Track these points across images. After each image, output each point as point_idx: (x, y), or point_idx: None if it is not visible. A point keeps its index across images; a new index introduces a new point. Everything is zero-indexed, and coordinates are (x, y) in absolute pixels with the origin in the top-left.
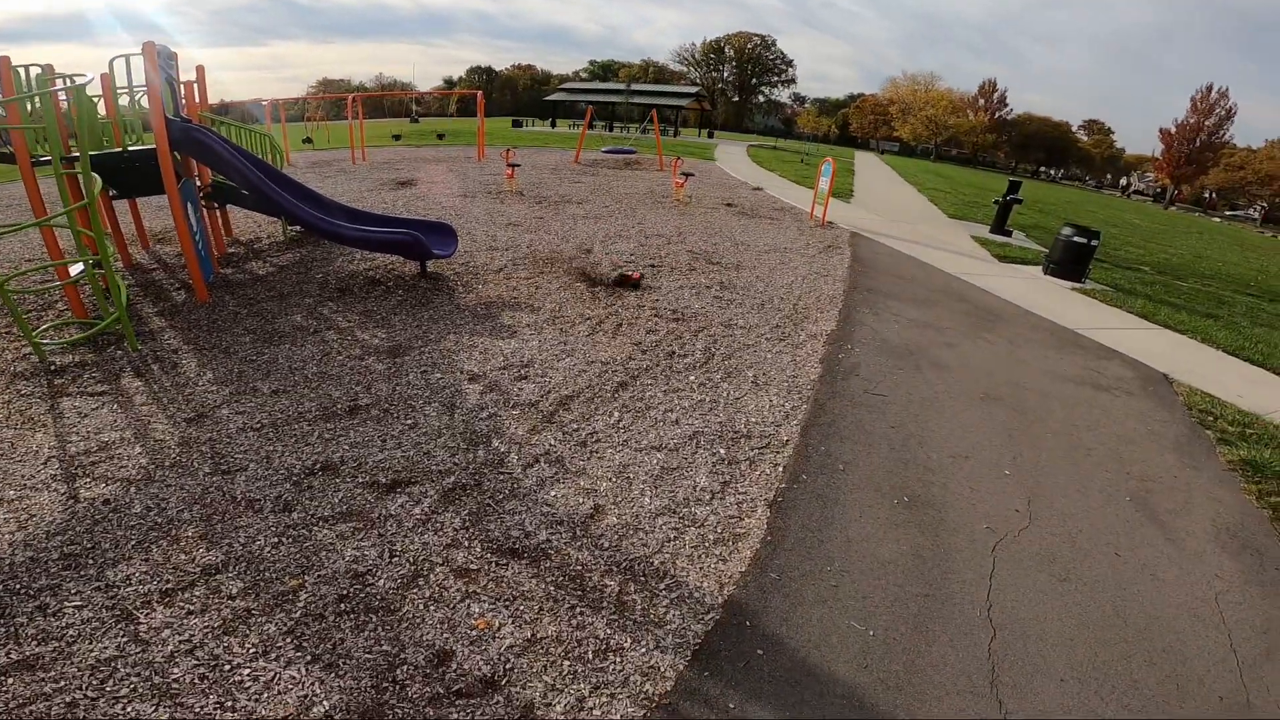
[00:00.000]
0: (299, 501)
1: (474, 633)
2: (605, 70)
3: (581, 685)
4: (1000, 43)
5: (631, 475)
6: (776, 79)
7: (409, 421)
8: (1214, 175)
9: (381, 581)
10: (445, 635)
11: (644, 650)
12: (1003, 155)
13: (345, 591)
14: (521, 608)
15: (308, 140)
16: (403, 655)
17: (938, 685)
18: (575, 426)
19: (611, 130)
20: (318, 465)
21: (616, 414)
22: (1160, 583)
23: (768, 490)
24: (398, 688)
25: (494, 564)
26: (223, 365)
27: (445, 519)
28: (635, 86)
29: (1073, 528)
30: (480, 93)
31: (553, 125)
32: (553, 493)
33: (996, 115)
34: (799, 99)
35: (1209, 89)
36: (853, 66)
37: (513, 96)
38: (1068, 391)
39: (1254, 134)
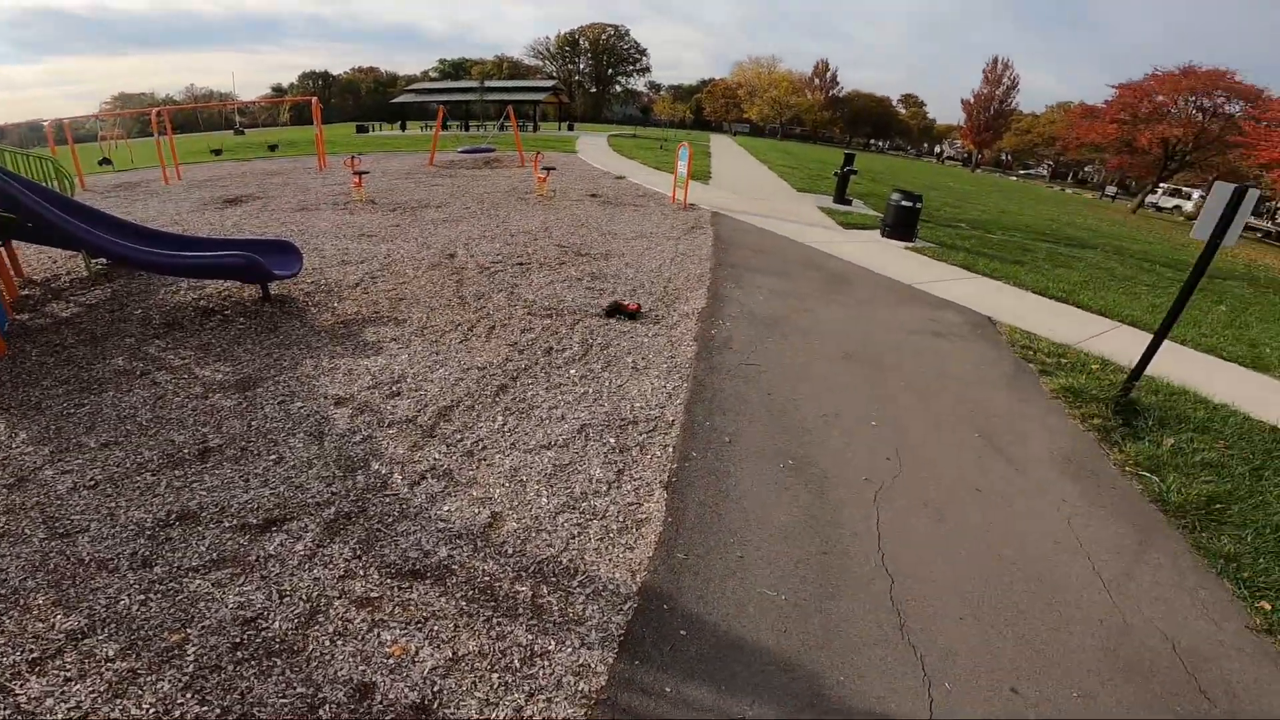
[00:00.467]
0: (159, 555)
1: (391, 661)
2: (457, 69)
3: (515, 695)
4: (830, 24)
5: (525, 478)
6: (632, 68)
7: (273, 457)
8: (1008, 139)
9: (277, 623)
10: (361, 668)
11: (570, 650)
12: (838, 130)
13: (239, 639)
14: (436, 628)
15: (105, 161)
16: (321, 695)
17: (854, 638)
18: (459, 437)
19: (467, 130)
20: (173, 516)
21: (500, 418)
22: (1019, 514)
23: (661, 472)
24: None
25: (396, 589)
26: (36, 423)
27: (333, 551)
28: (490, 84)
29: (937, 470)
30: (316, 99)
31: (402, 129)
32: (445, 507)
33: (830, 93)
34: (654, 87)
35: (996, 61)
36: (703, 52)
37: (355, 101)
38: (913, 342)
39: (1037, 100)
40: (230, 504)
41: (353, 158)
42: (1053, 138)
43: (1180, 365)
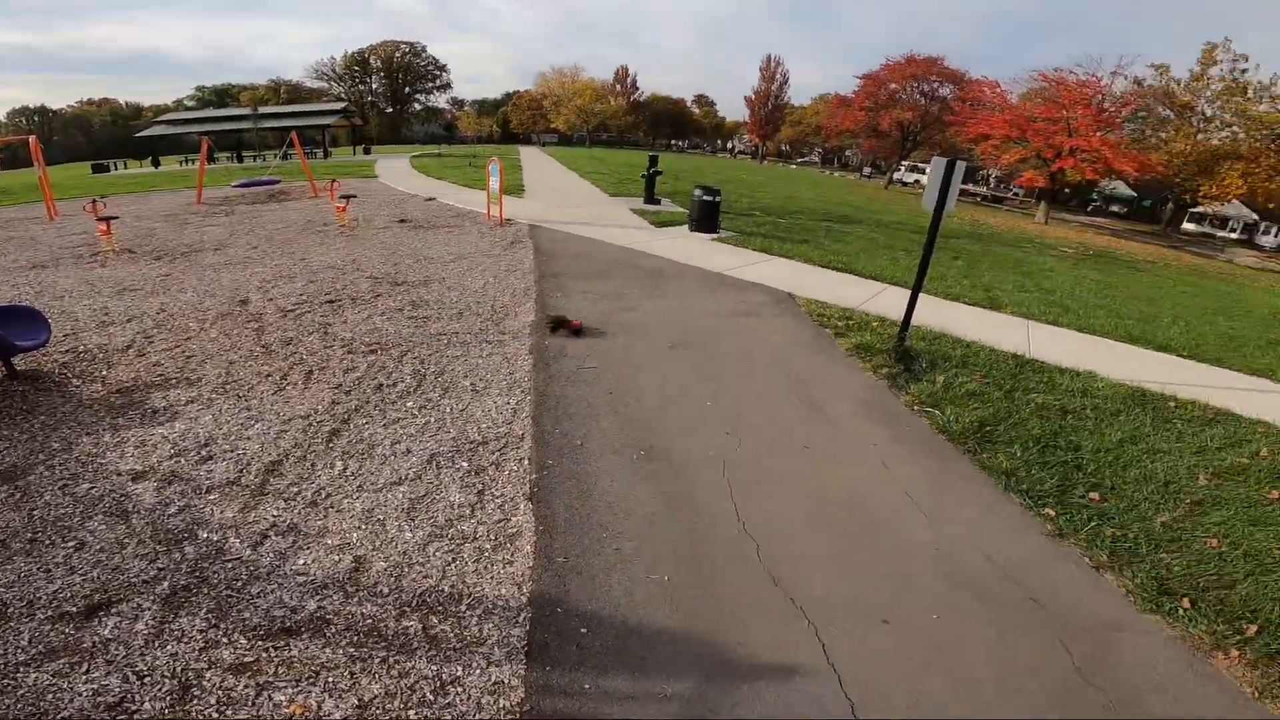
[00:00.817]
0: None
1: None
2: (221, 96)
3: None
4: (626, 30)
5: (381, 517)
6: (431, 85)
7: (72, 543)
8: (785, 131)
9: (147, 704)
10: None
11: (479, 671)
12: (642, 133)
13: None
14: (331, 679)
15: None
16: None
17: (739, 601)
18: (296, 490)
19: (240, 161)
20: None
21: (339, 463)
22: (844, 463)
23: (522, 485)
24: None
25: (272, 649)
26: None
27: (183, 624)
28: (266, 110)
29: (770, 436)
30: (34, 137)
31: (155, 165)
32: (300, 561)
33: (632, 98)
34: (457, 103)
35: (769, 59)
36: (506, 65)
37: (88, 137)
38: (729, 324)
39: (805, 94)
40: (38, 596)
41: (94, 201)
42: (819, 127)
43: (936, 314)
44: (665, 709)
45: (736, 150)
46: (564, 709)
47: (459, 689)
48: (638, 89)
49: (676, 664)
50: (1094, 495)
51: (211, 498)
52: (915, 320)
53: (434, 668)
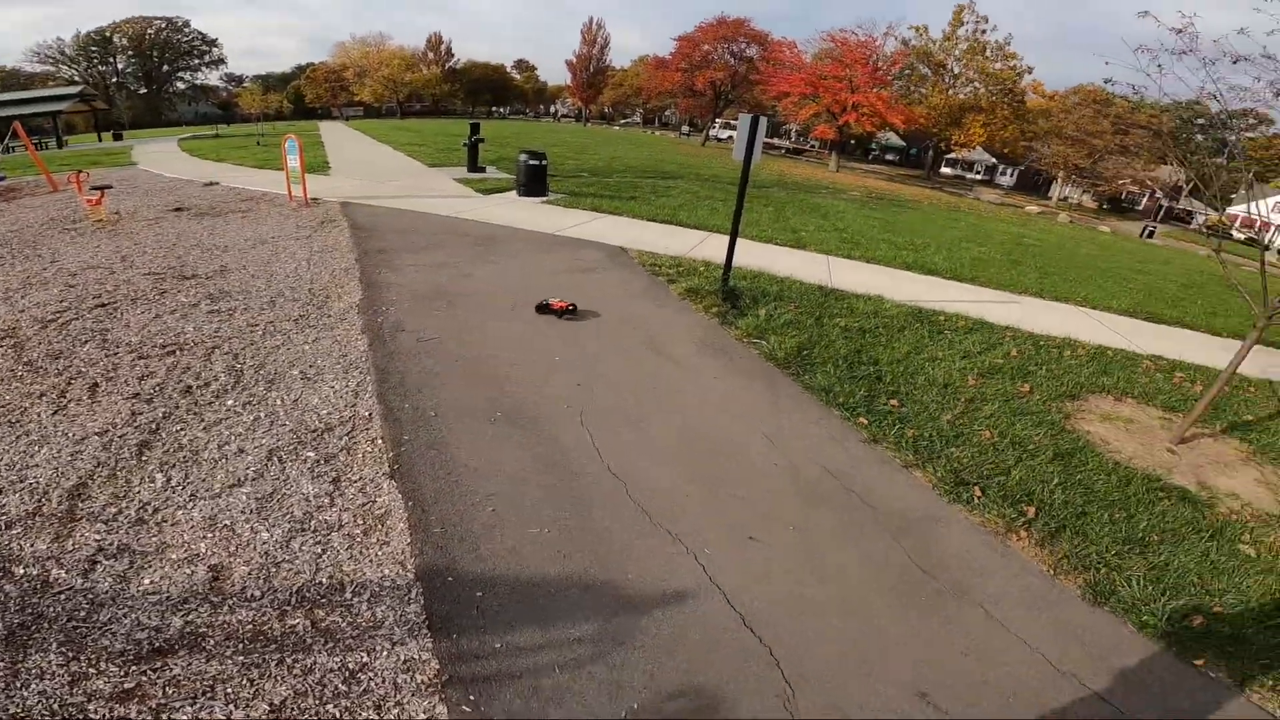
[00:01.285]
0: None
1: None
2: None
3: (364, 713)
4: None
5: (228, 521)
6: (199, 62)
7: None
8: (608, 94)
9: None
10: None
11: (386, 654)
12: (460, 102)
13: None
14: (229, 690)
15: None
16: None
17: (620, 539)
18: (114, 510)
19: None
20: None
21: (160, 475)
22: (690, 397)
23: (380, 465)
24: None
25: (151, 671)
26: None
27: (37, 663)
28: None
29: (620, 381)
30: None
31: None
32: (146, 580)
33: (447, 65)
34: (234, 79)
35: (591, 22)
36: (297, 37)
37: None
38: (567, 281)
39: (626, 56)
40: None
41: None
42: (639, 89)
43: (753, 255)
44: (578, 651)
45: (560, 114)
46: (483, 670)
47: (370, 674)
48: (453, 56)
49: (576, 608)
50: (894, 401)
51: (14, 533)
52: (736, 262)
53: (337, 659)
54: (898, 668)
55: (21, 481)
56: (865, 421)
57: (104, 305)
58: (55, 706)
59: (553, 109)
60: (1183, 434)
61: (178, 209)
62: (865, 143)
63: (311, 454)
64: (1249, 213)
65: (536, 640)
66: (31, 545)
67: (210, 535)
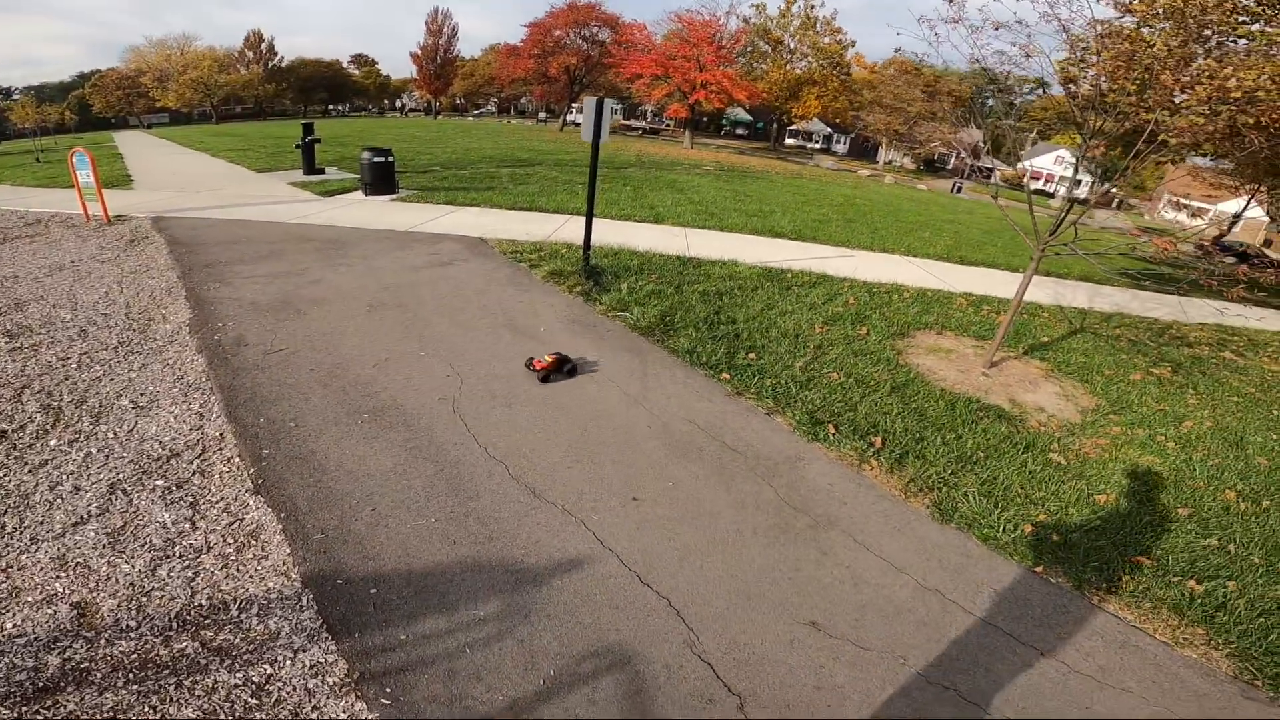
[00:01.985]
0: None
1: None
2: None
3: None
4: None
5: (82, 558)
6: None
7: None
8: (458, 84)
9: None
10: None
11: (289, 662)
12: (290, 102)
13: None
14: (135, 716)
15: None
16: None
17: (508, 519)
18: None
19: None
20: None
21: None
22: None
23: (243, 482)
24: None
25: (43, 709)
26: None
27: None
28: None
29: (489, 367)
30: None
31: None
32: (8, 625)
33: (270, 65)
34: (2, 92)
35: (436, 12)
36: (75, 43)
37: None
38: (426, 276)
39: (476, 45)
40: None
41: None
42: (492, 78)
43: (615, 233)
44: (485, 630)
45: (408, 109)
46: (393, 663)
47: (279, 684)
48: (276, 54)
49: (476, 589)
50: (752, 355)
51: None
52: (599, 241)
53: (239, 675)
54: (785, 600)
55: None
56: (728, 376)
57: None
58: None
59: (399, 103)
60: (991, 359)
61: None
62: (717, 119)
63: (160, 482)
64: (1031, 167)
65: (442, 626)
66: None
67: (64, 574)
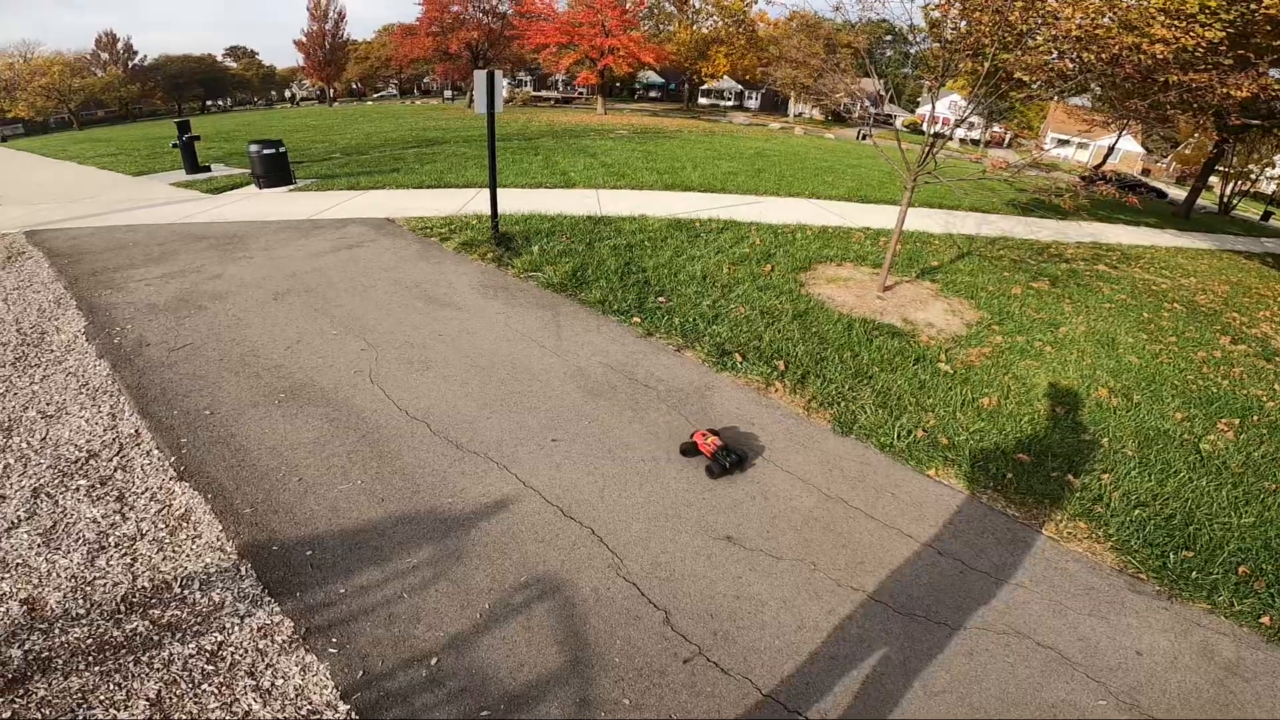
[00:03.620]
0: None
1: None
2: None
3: (242, 683)
4: None
5: (19, 559)
6: None
7: None
8: (352, 69)
9: None
10: None
11: (237, 628)
12: (160, 101)
13: None
14: (101, 696)
15: None
16: None
17: (433, 471)
18: None
19: None
20: None
21: None
22: (476, 334)
23: (165, 472)
24: None
25: (18, 698)
26: None
27: None
28: None
29: (405, 336)
30: None
31: None
32: None
33: (131, 65)
34: None
35: None
36: None
37: None
38: (333, 260)
39: (368, 28)
40: None
41: None
42: (389, 59)
43: (526, 200)
44: (420, 575)
45: (300, 98)
46: (336, 614)
47: (231, 649)
48: (135, 53)
49: (408, 539)
50: (662, 299)
51: None
52: (510, 209)
53: (191, 645)
54: (700, 519)
55: None
56: (639, 320)
57: None
58: None
59: (289, 93)
60: (884, 283)
61: None
62: (629, 84)
63: (83, 481)
64: (929, 113)
65: (378, 577)
66: None
67: (7, 575)
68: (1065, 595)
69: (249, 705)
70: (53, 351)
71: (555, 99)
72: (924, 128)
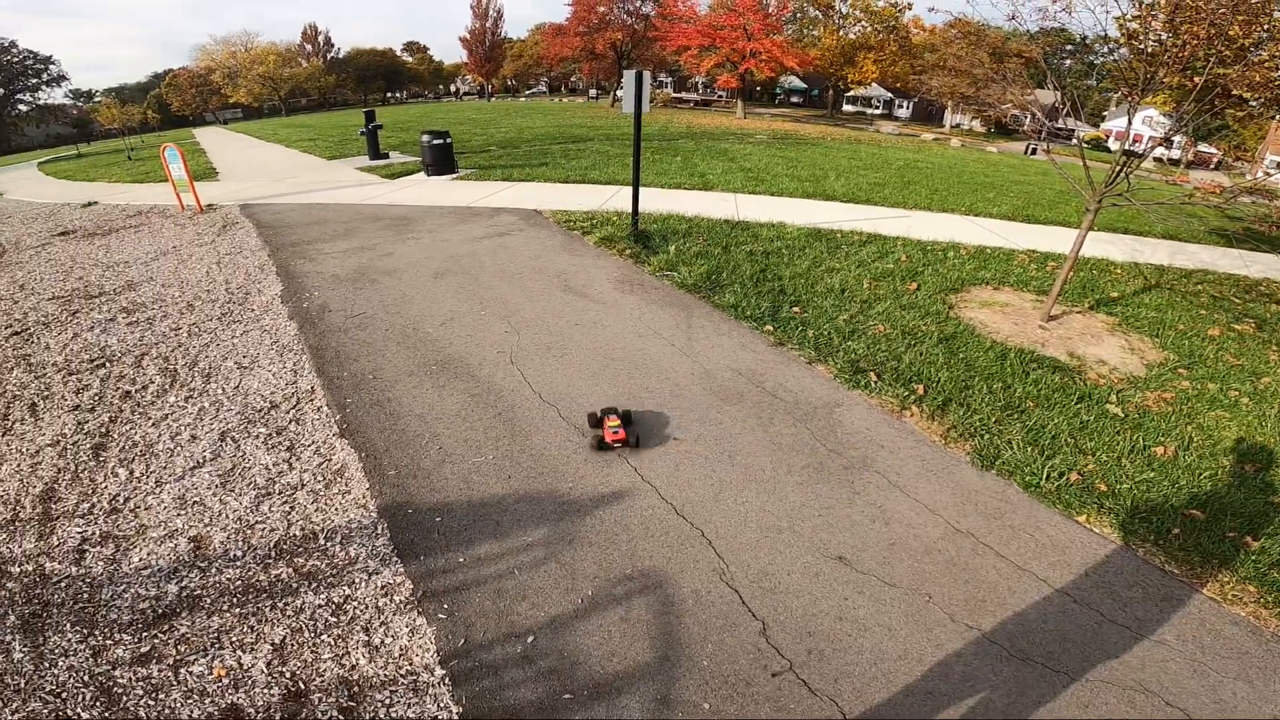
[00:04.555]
0: None
1: (225, 681)
2: None
3: (355, 636)
4: None
5: (198, 498)
6: (37, 82)
7: None
8: (508, 66)
9: (84, 715)
10: (207, 702)
11: (364, 584)
12: (351, 92)
13: None
14: (234, 638)
15: None
16: None
17: (555, 456)
18: (86, 505)
19: None
20: None
21: (122, 470)
22: (609, 326)
23: (330, 428)
24: None
25: (162, 634)
26: None
27: (55, 644)
28: None
29: (545, 323)
30: None
31: None
32: (135, 559)
33: (329, 56)
34: (83, 95)
35: None
36: (142, 45)
37: None
38: (486, 245)
39: (521, 26)
40: None
41: None
42: (540, 58)
43: (665, 201)
44: (532, 554)
45: (462, 93)
46: (452, 582)
47: (354, 604)
48: (333, 46)
49: (526, 519)
50: (796, 309)
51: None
52: (649, 208)
53: (322, 596)
54: (815, 535)
55: None
56: (771, 329)
57: (18, 334)
58: (85, 678)
59: (453, 88)
60: (1049, 311)
61: (63, 233)
62: (770, 88)
63: (263, 430)
64: (1116, 128)
65: (494, 551)
66: (20, 546)
67: (183, 512)
68: (1212, 656)
69: (357, 659)
70: (253, 311)
71: (694, 101)
72: (1111, 144)
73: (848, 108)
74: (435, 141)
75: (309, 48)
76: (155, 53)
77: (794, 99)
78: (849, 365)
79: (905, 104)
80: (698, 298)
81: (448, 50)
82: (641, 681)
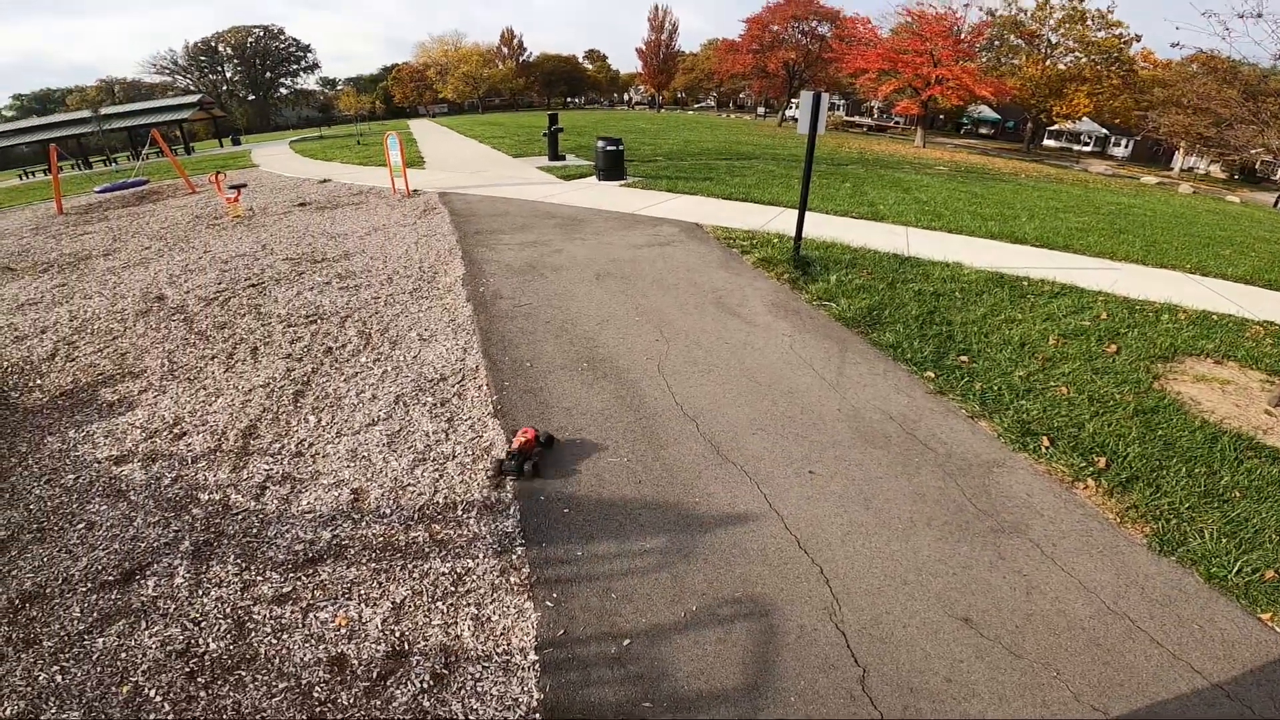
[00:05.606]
0: (37, 632)
1: (343, 631)
2: (44, 101)
3: (467, 609)
4: None
5: (366, 453)
6: (297, 67)
7: (81, 525)
8: (679, 79)
9: (212, 644)
10: (323, 647)
11: (485, 560)
12: (536, 94)
13: (188, 668)
14: (363, 591)
15: None
16: (302, 678)
17: (689, 470)
18: (278, 445)
19: (89, 167)
20: (16, 600)
21: (312, 418)
22: (757, 349)
23: (486, 407)
24: (327, 703)
25: (304, 577)
26: None
27: (217, 573)
28: (109, 110)
29: (694, 336)
30: None
31: None
32: (303, 502)
33: (521, 60)
34: (329, 83)
35: (657, 8)
36: (375, 39)
37: None
38: (646, 254)
39: (694, 40)
40: (70, 574)
41: None
42: (711, 72)
43: (829, 228)
44: (646, 560)
45: (634, 102)
46: (566, 574)
47: (473, 577)
48: (525, 49)
49: (647, 525)
50: (964, 358)
51: (200, 465)
52: (812, 234)
53: (447, 565)
54: (943, 592)
55: (204, 425)
56: (933, 375)
57: (254, 285)
58: (228, 609)
59: (626, 97)
60: None
61: (301, 204)
62: (955, 117)
63: (430, 399)
64: None
65: (612, 551)
66: (213, 476)
67: (352, 465)
68: None
69: (461, 631)
70: (438, 289)
71: (868, 126)
72: None
73: (1050, 142)
74: (609, 148)
75: (505, 50)
76: (381, 48)
77: (983, 130)
78: (1018, 425)
79: (1125, 142)
80: (855, 332)
81: (625, 60)
82: (724, 705)
